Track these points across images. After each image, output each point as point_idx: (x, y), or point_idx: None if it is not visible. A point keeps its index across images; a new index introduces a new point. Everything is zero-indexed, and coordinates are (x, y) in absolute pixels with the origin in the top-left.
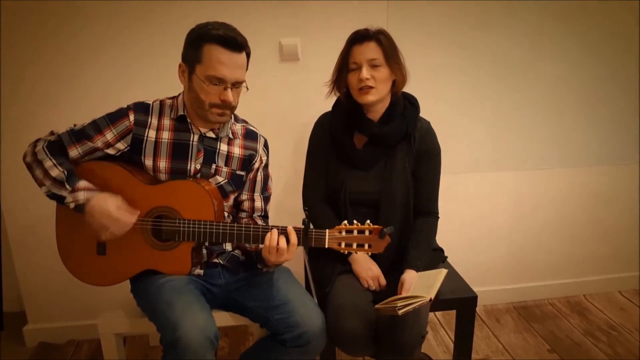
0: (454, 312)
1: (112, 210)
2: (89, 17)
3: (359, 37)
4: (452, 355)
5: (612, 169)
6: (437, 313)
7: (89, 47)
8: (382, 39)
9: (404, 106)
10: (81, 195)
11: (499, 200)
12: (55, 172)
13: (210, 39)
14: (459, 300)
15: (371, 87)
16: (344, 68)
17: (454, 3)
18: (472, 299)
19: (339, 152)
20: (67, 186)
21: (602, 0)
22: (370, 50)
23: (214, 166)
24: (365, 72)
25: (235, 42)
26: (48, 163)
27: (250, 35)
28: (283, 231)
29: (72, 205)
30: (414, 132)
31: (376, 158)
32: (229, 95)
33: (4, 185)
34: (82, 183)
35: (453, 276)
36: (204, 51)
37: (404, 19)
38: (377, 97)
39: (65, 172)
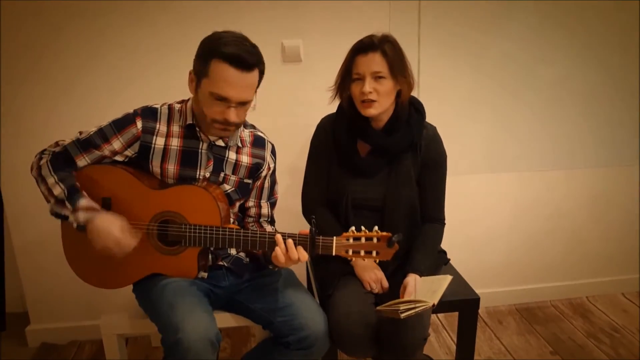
0: (456, 313)
1: (116, 233)
2: (90, 18)
3: (363, 47)
4: (455, 357)
5: (612, 170)
6: (439, 315)
7: (90, 49)
8: (387, 49)
9: (409, 114)
10: (81, 217)
11: (501, 202)
12: (57, 191)
13: (220, 56)
14: (461, 302)
15: (373, 101)
16: (347, 77)
17: (455, 4)
18: (475, 301)
19: (342, 159)
20: (69, 205)
21: (601, 2)
22: (374, 63)
23: (222, 174)
24: (368, 86)
25: (246, 62)
26: (51, 180)
27: (252, 36)
28: (291, 237)
29: (74, 225)
30: (420, 140)
31: (380, 166)
32: (232, 115)
33: (8, 187)
34: (84, 202)
35: (455, 278)
36: (212, 67)
37: (405, 20)
38: (379, 111)
39: (66, 191)
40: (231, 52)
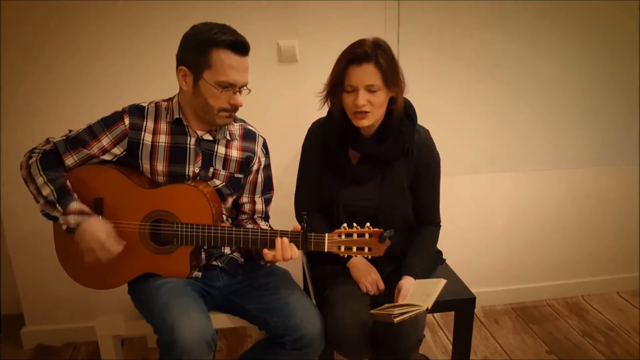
0: (452, 313)
1: (103, 237)
2: (90, 17)
3: (356, 58)
4: (451, 357)
5: (610, 170)
6: (435, 314)
7: (90, 48)
8: (380, 59)
9: (400, 120)
10: (72, 220)
11: (497, 202)
12: (47, 191)
13: (220, 44)
14: (457, 302)
15: (367, 112)
16: (339, 87)
17: (452, 3)
18: (471, 300)
19: (333, 166)
20: (59, 208)
21: (601, 1)
22: (368, 75)
23: (211, 169)
24: (362, 99)
25: (244, 46)
26: (40, 180)
27: (248, 37)
28: (283, 235)
29: (64, 227)
30: (411, 147)
31: (372, 174)
32: (239, 99)
33: (3, 188)
34: (74, 205)
35: (451, 278)
36: (213, 56)
37: (402, 20)
38: (372, 122)
39: (56, 193)
40: (232, 39)
